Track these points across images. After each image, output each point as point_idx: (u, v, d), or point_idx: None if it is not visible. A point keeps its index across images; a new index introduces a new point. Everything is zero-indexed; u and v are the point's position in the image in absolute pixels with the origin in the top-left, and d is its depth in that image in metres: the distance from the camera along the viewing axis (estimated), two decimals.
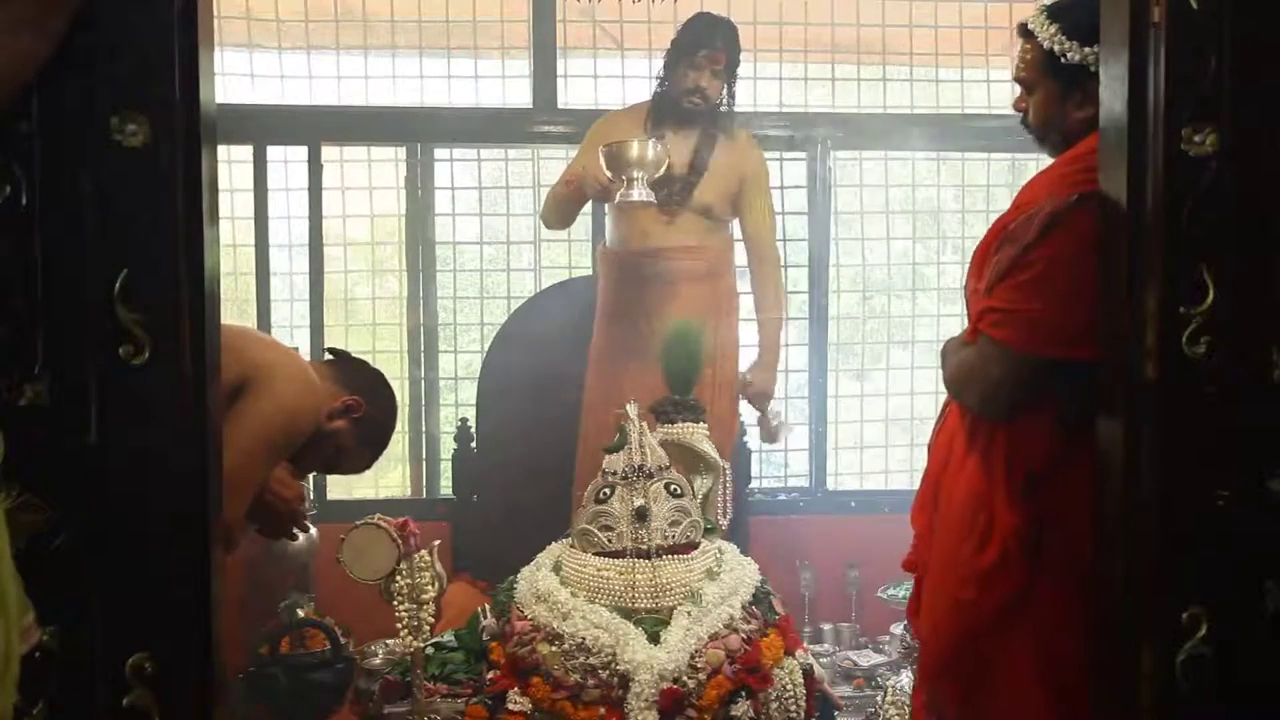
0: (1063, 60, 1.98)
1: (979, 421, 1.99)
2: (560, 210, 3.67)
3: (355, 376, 2.35)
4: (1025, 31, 2.06)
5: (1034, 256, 1.86)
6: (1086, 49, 1.92)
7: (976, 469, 1.97)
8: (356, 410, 2.28)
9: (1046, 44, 2.00)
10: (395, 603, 2.54)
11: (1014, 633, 1.93)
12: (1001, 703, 1.96)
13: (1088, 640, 1.77)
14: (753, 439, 3.97)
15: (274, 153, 4.15)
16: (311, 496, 3.82)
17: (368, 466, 2.46)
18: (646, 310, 3.53)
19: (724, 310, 3.65)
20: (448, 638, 2.81)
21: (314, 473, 2.94)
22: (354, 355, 2.43)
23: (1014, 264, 1.88)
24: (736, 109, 3.67)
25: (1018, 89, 2.13)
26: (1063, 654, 1.87)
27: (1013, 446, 1.92)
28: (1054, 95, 2.02)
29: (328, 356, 2.44)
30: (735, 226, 3.72)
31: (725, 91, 3.57)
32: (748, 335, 3.75)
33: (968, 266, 2.11)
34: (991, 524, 1.92)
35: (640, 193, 3.22)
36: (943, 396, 2.23)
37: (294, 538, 2.41)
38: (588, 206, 3.77)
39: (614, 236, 3.71)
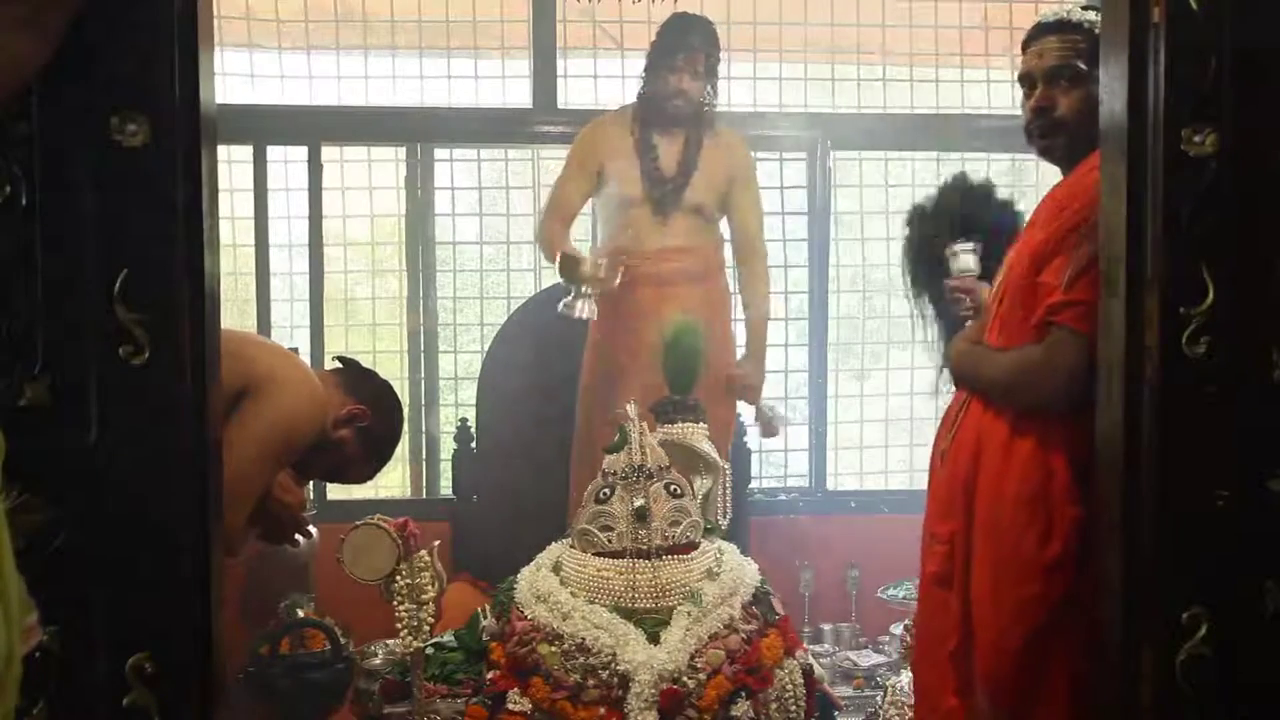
0: None
1: (1027, 417, 1.98)
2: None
3: (362, 386, 2.32)
4: (1076, 23, 2.02)
5: None
6: None
7: (1028, 464, 1.96)
8: (362, 419, 2.26)
9: None
10: (395, 603, 2.53)
11: (1060, 634, 1.92)
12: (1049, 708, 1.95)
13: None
14: (753, 439, 3.97)
15: (274, 153, 4.15)
16: (311, 497, 3.82)
17: (371, 476, 2.44)
18: (640, 311, 3.52)
19: (718, 310, 3.64)
20: (448, 638, 2.81)
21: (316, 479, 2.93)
22: (362, 365, 2.41)
23: (1095, 261, 1.85)
24: (737, 109, 3.66)
25: (1019, 88, 2.09)
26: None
27: (1070, 438, 1.92)
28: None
29: (336, 365, 2.41)
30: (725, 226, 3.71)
31: (708, 90, 3.56)
32: (742, 334, 3.75)
33: (1009, 258, 2.09)
34: (1051, 518, 1.92)
35: (583, 310, 3.33)
36: (944, 397, 2.21)
37: (295, 544, 2.39)
38: (586, 206, 3.77)
39: (606, 239, 3.70)
